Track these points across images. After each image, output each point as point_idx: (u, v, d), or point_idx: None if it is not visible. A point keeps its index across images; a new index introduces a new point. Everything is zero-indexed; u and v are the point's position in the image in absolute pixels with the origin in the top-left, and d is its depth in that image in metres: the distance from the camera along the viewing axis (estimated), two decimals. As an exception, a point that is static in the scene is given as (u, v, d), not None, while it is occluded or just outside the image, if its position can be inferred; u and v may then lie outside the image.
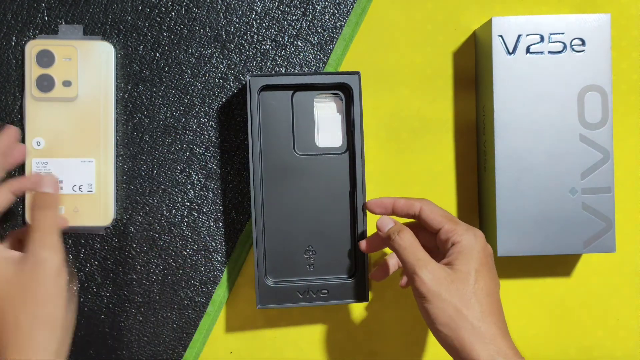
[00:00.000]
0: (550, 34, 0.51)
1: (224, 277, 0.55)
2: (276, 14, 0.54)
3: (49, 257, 0.41)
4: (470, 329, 0.42)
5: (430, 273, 0.43)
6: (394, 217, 0.48)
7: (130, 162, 0.54)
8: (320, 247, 0.52)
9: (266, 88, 0.51)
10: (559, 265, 0.57)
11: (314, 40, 0.55)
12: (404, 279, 0.53)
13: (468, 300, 0.42)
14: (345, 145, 0.52)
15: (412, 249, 0.45)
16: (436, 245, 0.48)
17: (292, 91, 0.52)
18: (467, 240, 0.45)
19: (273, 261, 0.52)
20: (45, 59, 0.52)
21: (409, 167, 0.56)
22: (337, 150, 0.52)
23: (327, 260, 0.52)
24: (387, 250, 0.55)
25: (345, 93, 0.52)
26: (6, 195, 0.45)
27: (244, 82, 0.54)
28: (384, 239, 0.47)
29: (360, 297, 0.52)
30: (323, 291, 0.52)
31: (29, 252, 0.41)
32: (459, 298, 0.42)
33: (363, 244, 0.50)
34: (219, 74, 0.54)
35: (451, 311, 0.42)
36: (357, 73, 0.51)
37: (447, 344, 0.43)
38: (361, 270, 0.52)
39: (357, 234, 0.52)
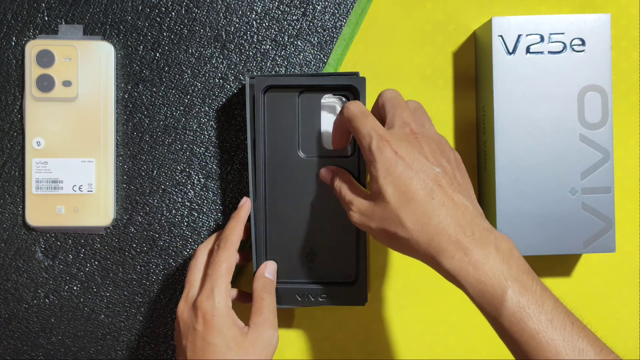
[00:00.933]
0: (550, 34, 0.51)
1: (224, 277, 0.55)
2: (276, 14, 0.54)
3: (274, 336, 0.46)
4: (406, 243, 0.41)
5: (356, 212, 0.44)
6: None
7: (130, 162, 0.54)
8: (322, 250, 0.52)
9: (271, 88, 0.51)
10: (559, 265, 0.57)
11: (314, 40, 0.55)
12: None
13: (394, 220, 0.41)
14: (352, 148, 0.51)
15: (343, 192, 0.46)
16: None
17: (298, 92, 0.50)
18: (372, 154, 0.42)
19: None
20: (45, 59, 0.52)
21: (409, 167, 0.56)
22: (342, 153, 0.51)
23: (327, 263, 0.52)
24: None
25: (351, 95, 0.51)
26: (234, 257, 0.48)
27: (244, 82, 0.54)
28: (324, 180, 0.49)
29: (360, 301, 0.52)
30: (322, 295, 0.52)
31: (261, 330, 0.46)
32: (384, 222, 0.41)
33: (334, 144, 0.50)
34: (219, 74, 0.54)
35: (385, 236, 0.42)
36: (363, 78, 0.50)
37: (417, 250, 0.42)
38: (363, 274, 0.52)
39: (360, 239, 0.51)
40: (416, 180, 0.41)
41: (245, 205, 0.50)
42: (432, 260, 0.40)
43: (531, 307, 0.38)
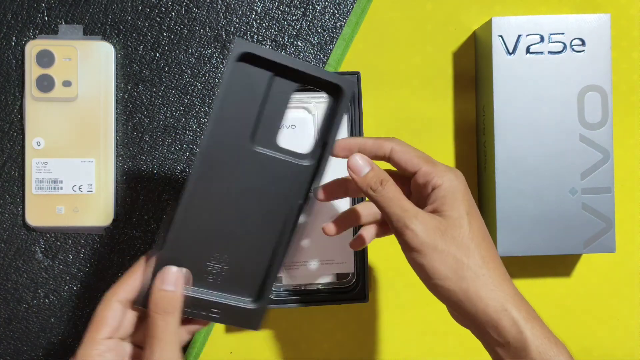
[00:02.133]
0: (550, 34, 0.51)
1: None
2: (276, 14, 0.54)
3: None
4: (474, 277, 0.38)
5: (421, 224, 0.38)
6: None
7: (130, 162, 0.54)
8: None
9: (247, 60, 0.40)
10: (559, 265, 0.57)
11: (314, 40, 0.55)
12: (358, 239, 0.46)
13: (467, 248, 0.38)
14: (312, 155, 0.42)
15: (398, 200, 0.39)
16: (409, 191, 0.42)
17: (271, 73, 0.40)
18: (450, 181, 0.39)
19: None
20: (45, 59, 0.52)
21: (409, 167, 0.56)
22: (297, 157, 0.42)
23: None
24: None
25: (335, 97, 0.42)
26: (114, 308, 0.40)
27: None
28: (357, 187, 0.41)
29: (360, 297, 0.52)
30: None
31: None
32: (456, 246, 0.38)
33: (320, 195, 0.43)
34: (219, 74, 0.54)
35: (451, 262, 0.38)
36: (352, 81, 0.45)
37: (448, 297, 0.38)
38: (361, 271, 0.52)
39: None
40: (484, 226, 0.40)
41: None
42: (500, 306, 0.38)
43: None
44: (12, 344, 0.55)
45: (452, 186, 0.39)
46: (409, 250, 0.39)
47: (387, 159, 0.42)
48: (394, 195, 0.40)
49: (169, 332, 0.38)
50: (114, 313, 0.39)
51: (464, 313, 0.39)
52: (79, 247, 0.54)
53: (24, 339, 0.55)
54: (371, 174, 0.40)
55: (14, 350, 0.55)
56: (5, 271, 0.54)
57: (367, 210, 0.46)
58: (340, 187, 0.44)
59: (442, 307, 0.57)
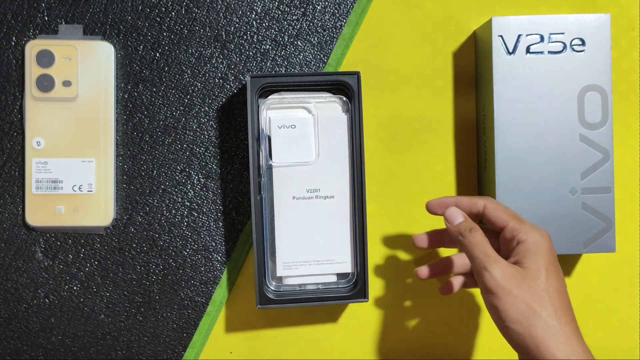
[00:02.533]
0: (550, 34, 0.51)
1: (224, 277, 0.55)
2: (276, 14, 0.54)
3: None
4: (544, 327, 0.41)
5: (500, 269, 0.42)
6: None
7: (130, 162, 0.54)
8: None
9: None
10: (559, 265, 0.57)
11: (314, 40, 0.55)
12: (448, 285, 0.51)
13: (541, 298, 0.41)
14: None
15: (482, 246, 0.44)
16: (499, 246, 0.47)
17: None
18: (534, 238, 0.43)
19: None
20: (45, 59, 0.52)
21: (409, 167, 0.56)
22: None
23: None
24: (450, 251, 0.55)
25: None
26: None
27: (244, 82, 0.54)
28: (450, 235, 0.47)
29: (360, 297, 0.52)
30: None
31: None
32: (531, 295, 0.41)
33: (421, 241, 0.50)
34: (219, 74, 0.54)
35: (523, 308, 0.41)
36: (356, 74, 0.51)
37: (518, 342, 0.41)
38: (361, 270, 0.52)
39: (357, 236, 0.52)
40: (562, 281, 0.43)
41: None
42: (564, 357, 0.40)
43: None
44: (12, 344, 0.55)
45: (535, 242, 0.43)
46: (486, 292, 0.43)
47: (481, 215, 0.47)
48: (479, 241, 0.44)
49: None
50: None
51: None
52: (79, 247, 0.54)
53: (24, 339, 0.55)
54: (463, 224, 0.46)
55: (14, 350, 0.55)
56: (5, 271, 0.54)
57: (460, 261, 0.51)
58: (437, 238, 0.50)
59: (442, 308, 0.57)
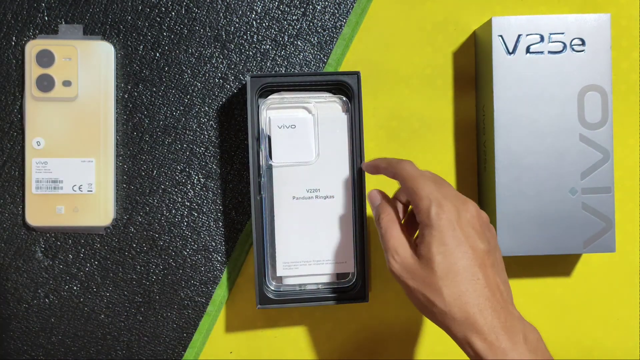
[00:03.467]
0: (550, 34, 0.51)
1: (224, 277, 0.55)
2: (276, 14, 0.54)
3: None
4: (441, 314, 0.41)
5: (397, 263, 0.43)
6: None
7: (130, 162, 0.54)
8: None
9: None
10: (559, 265, 0.57)
11: (314, 40, 0.55)
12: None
13: (435, 289, 0.41)
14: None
15: (387, 235, 0.45)
16: None
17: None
18: (430, 219, 0.42)
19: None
20: (45, 59, 0.52)
21: (409, 167, 0.56)
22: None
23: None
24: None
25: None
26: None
27: (244, 82, 0.54)
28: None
29: (360, 297, 0.52)
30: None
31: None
32: (425, 286, 0.42)
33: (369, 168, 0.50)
34: (219, 74, 0.54)
35: (421, 298, 0.42)
36: (356, 74, 0.51)
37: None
38: (361, 271, 0.52)
39: (357, 236, 0.52)
40: (465, 258, 0.42)
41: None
42: (464, 338, 0.41)
43: None
44: (12, 343, 0.55)
45: (431, 224, 0.42)
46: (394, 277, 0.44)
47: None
48: (387, 228, 0.45)
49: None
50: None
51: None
52: (79, 247, 0.54)
53: (24, 339, 0.55)
54: (377, 207, 0.47)
55: (14, 350, 0.55)
56: (5, 271, 0.54)
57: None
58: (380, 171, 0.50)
59: (442, 307, 0.57)
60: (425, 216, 0.42)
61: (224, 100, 0.54)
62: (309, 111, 0.52)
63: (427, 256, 0.42)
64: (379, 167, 0.48)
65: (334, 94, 0.52)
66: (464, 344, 0.41)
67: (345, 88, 0.52)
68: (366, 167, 0.50)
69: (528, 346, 0.40)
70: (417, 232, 0.44)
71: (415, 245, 0.44)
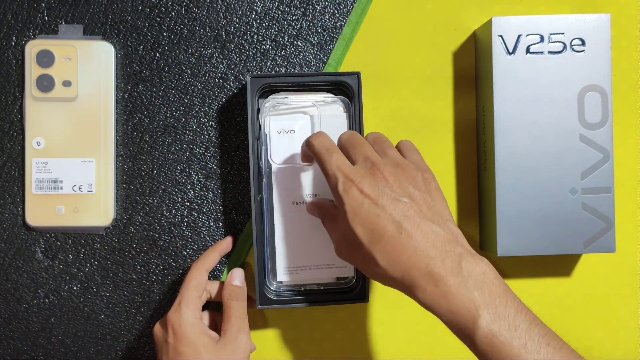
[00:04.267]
0: (550, 34, 0.51)
1: (224, 277, 0.55)
2: (276, 14, 0.54)
3: (244, 341, 0.48)
4: (383, 278, 0.42)
5: (338, 251, 0.45)
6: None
7: (130, 162, 0.54)
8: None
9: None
10: (559, 265, 0.57)
11: (314, 40, 0.55)
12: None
13: (368, 259, 0.42)
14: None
15: (328, 232, 0.48)
16: None
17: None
18: (333, 189, 0.44)
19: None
20: (45, 59, 0.52)
21: (409, 167, 0.56)
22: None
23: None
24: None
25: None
26: (204, 275, 0.50)
27: (244, 82, 0.54)
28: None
29: (360, 298, 0.52)
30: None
31: (228, 336, 0.48)
32: (364, 261, 0.42)
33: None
34: (219, 74, 0.54)
35: (368, 274, 0.43)
36: (356, 75, 0.51)
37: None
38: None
39: None
40: (383, 217, 0.41)
41: (226, 242, 0.54)
42: (409, 293, 0.41)
43: (503, 334, 0.38)
44: (12, 344, 0.55)
45: (339, 203, 0.43)
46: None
47: None
48: (323, 221, 0.49)
49: (242, 312, 0.50)
50: (203, 278, 0.50)
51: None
52: (79, 247, 0.54)
53: (24, 339, 0.55)
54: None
55: (14, 350, 0.55)
56: (5, 271, 0.54)
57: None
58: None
59: (442, 307, 0.57)
60: (335, 194, 0.43)
61: (224, 100, 0.54)
62: (310, 114, 0.52)
63: (350, 232, 0.42)
64: (305, 156, 0.49)
65: (335, 94, 0.52)
66: (413, 298, 0.41)
67: (346, 88, 0.52)
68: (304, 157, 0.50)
69: (472, 282, 0.39)
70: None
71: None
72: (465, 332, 0.39)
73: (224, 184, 0.55)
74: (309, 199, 0.52)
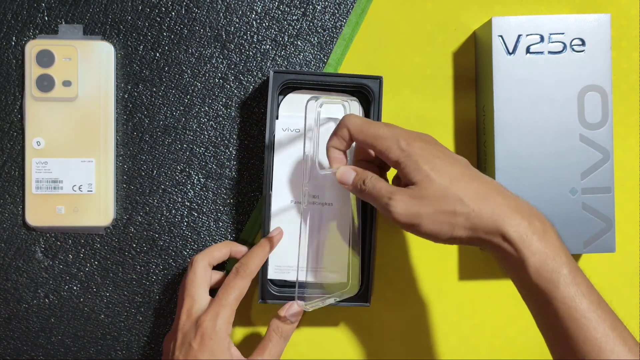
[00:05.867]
0: (550, 34, 0.51)
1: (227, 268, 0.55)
2: (276, 14, 0.54)
3: None
4: (466, 216, 0.40)
5: (399, 201, 0.41)
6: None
7: (130, 162, 0.54)
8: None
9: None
10: (559, 265, 0.57)
11: (314, 40, 0.55)
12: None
13: (450, 197, 0.41)
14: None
15: (376, 190, 0.43)
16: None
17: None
18: (404, 150, 0.42)
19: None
20: (45, 59, 0.52)
21: (409, 167, 0.56)
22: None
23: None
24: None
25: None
26: (225, 250, 0.51)
27: (244, 82, 0.54)
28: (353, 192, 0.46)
29: (362, 301, 0.52)
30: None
31: None
32: (438, 202, 0.41)
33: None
34: (219, 74, 0.54)
35: (438, 218, 0.41)
36: (378, 79, 0.51)
37: (464, 240, 0.42)
38: (367, 274, 0.52)
39: (365, 241, 0.52)
40: (455, 164, 0.42)
41: (278, 237, 0.51)
42: (495, 231, 0.40)
43: (584, 286, 0.40)
44: (12, 343, 0.55)
45: (397, 153, 0.42)
46: (405, 227, 0.42)
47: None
48: (372, 187, 0.43)
49: (279, 347, 0.49)
50: (246, 288, 0.48)
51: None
52: (79, 247, 0.54)
53: (24, 338, 0.55)
54: (355, 179, 0.45)
55: (14, 350, 0.55)
56: (5, 271, 0.54)
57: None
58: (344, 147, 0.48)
59: (442, 308, 0.57)
60: (399, 150, 0.42)
61: (224, 100, 0.54)
62: (317, 115, 0.51)
63: (425, 176, 0.41)
64: (344, 140, 0.46)
65: (352, 95, 0.52)
66: (496, 237, 0.40)
67: (366, 91, 0.52)
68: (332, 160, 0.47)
69: (554, 231, 0.41)
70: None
71: (405, 185, 0.43)
72: (550, 277, 0.40)
73: (224, 184, 0.55)
74: (308, 199, 0.51)
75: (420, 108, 0.56)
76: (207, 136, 0.55)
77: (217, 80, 0.54)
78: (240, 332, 0.56)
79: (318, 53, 0.55)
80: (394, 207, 0.41)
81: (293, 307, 0.49)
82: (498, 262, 0.43)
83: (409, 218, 0.41)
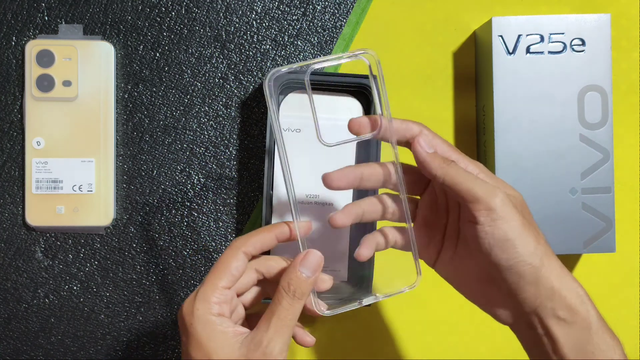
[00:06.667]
0: (550, 34, 0.51)
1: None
2: (276, 14, 0.54)
3: (276, 353, 0.37)
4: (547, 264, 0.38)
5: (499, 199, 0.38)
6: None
7: (130, 162, 0.54)
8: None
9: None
10: (559, 265, 0.57)
11: (314, 40, 0.55)
12: (366, 248, 0.42)
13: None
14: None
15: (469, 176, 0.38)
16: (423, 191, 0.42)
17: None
18: (493, 209, 0.37)
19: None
20: (45, 58, 0.52)
21: (409, 167, 0.56)
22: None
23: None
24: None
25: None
26: (251, 275, 0.40)
27: (244, 82, 0.54)
28: (421, 164, 0.40)
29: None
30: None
31: (257, 342, 0.37)
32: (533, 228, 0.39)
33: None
34: (219, 74, 0.54)
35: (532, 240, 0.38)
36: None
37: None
38: (368, 274, 0.52)
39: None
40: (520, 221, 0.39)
41: (282, 228, 0.41)
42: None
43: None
44: (12, 343, 0.55)
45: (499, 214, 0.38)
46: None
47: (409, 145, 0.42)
48: (461, 171, 0.39)
49: (292, 314, 0.38)
50: (237, 263, 0.38)
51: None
52: (79, 247, 0.54)
53: (23, 339, 0.55)
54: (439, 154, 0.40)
55: (14, 350, 0.55)
56: (5, 271, 0.54)
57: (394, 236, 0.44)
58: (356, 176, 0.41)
59: (442, 308, 0.57)
60: (487, 208, 0.37)
61: (224, 100, 0.54)
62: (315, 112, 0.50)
63: (505, 237, 0.37)
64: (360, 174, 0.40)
65: (352, 95, 0.52)
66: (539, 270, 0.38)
67: (366, 91, 0.51)
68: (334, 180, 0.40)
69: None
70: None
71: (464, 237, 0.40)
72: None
73: (224, 183, 0.55)
74: (308, 199, 0.51)
75: (420, 108, 0.56)
76: (207, 136, 0.55)
77: (217, 80, 0.54)
78: (240, 332, 0.56)
79: (318, 53, 0.55)
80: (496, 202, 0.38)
81: (311, 256, 0.38)
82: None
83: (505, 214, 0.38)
